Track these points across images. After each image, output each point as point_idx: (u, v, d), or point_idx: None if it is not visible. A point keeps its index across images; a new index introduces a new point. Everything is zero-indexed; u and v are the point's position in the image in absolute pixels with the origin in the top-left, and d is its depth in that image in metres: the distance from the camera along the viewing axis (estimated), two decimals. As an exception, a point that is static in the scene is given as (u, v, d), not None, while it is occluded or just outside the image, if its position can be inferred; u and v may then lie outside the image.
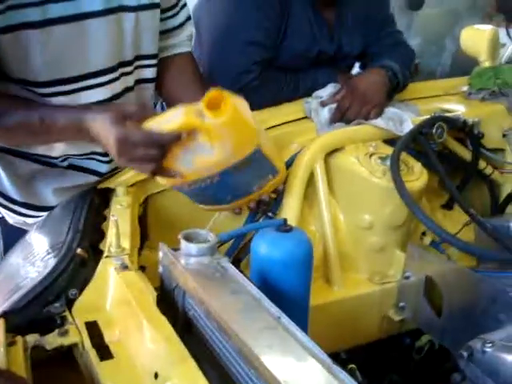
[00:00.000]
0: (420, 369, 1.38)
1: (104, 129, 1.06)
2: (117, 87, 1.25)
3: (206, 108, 0.98)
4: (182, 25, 1.43)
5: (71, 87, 1.18)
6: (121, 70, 1.24)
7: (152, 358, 0.79)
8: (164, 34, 1.36)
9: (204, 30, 1.65)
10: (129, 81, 1.27)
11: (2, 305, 0.95)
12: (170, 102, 1.46)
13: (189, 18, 1.45)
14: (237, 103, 1.03)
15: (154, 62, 1.34)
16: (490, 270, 1.28)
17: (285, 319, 0.78)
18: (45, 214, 1.25)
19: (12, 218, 1.33)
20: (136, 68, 1.29)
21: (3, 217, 1.34)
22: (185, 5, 1.44)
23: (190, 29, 1.46)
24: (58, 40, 1.12)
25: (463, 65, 4.62)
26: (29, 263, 1.07)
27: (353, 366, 0.77)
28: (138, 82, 1.32)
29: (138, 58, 1.29)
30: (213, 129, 1.00)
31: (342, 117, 1.49)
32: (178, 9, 1.40)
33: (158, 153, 1.03)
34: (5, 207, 1.31)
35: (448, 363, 1.33)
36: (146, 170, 1.07)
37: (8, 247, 1.32)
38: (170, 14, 1.37)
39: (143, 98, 1.37)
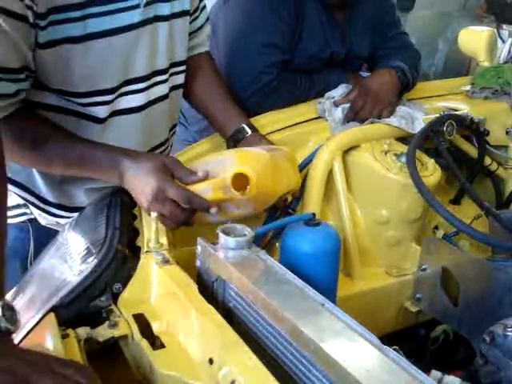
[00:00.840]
0: (435, 358, 1.43)
1: (144, 175, 1.10)
2: (152, 95, 1.29)
3: (232, 187, 1.07)
4: (202, 26, 1.48)
5: (109, 98, 1.21)
6: (156, 79, 1.28)
7: (204, 346, 0.83)
8: (188, 36, 1.40)
9: (221, 33, 1.69)
10: (164, 88, 1.31)
11: (46, 302, 0.98)
12: (191, 101, 1.52)
13: (207, 19, 1.50)
14: (261, 174, 1.10)
15: (184, 67, 1.39)
16: (503, 260, 1.33)
17: (329, 305, 0.83)
18: (76, 214, 1.29)
19: (45, 219, 1.36)
20: (171, 75, 1.33)
21: (35, 218, 1.37)
22: (204, 7, 1.49)
23: (208, 29, 1.52)
24: (98, 53, 1.15)
25: (456, 65, 4.71)
26: (67, 261, 1.10)
27: (396, 347, 0.82)
28: (173, 88, 1.36)
29: (172, 65, 1.33)
30: (239, 201, 1.09)
31: (355, 116, 1.54)
32: (199, 11, 1.45)
33: (186, 216, 1.11)
34: (38, 208, 1.34)
35: (463, 352, 1.39)
36: (168, 225, 1.12)
37: (38, 248, 1.35)
38: (193, 16, 1.41)
39: (176, 103, 1.41)
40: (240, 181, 1.06)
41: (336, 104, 1.56)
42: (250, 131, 1.43)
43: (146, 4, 1.20)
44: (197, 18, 1.45)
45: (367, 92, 1.55)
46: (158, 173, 1.09)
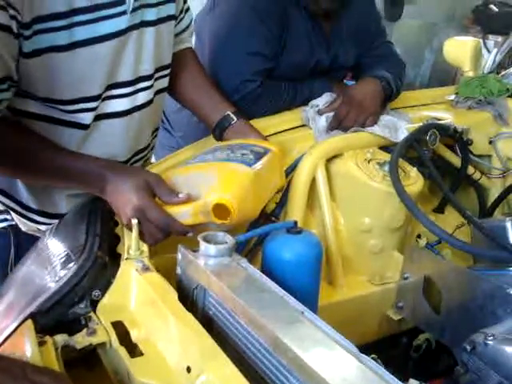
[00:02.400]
0: (418, 367, 1.43)
1: (127, 192, 1.09)
2: (137, 100, 1.28)
3: (213, 215, 1.05)
4: (187, 27, 1.50)
5: (95, 104, 1.21)
6: (141, 85, 1.28)
7: (183, 354, 0.82)
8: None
9: (206, 41, 1.69)
10: (149, 94, 1.31)
11: (24, 308, 0.97)
12: (176, 95, 1.53)
13: (191, 20, 1.52)
14: (243, 201, 1.09)
15: (169, 70, 1.40)
16: (485, 268, 1.34)
17: (308, 313, 0.83)
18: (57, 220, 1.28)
19: (26, 225, 1.35)
20: (156, 80, 1.33)
21: (16, 224, 1.36)
22: (188, 8, 1.51)
23: (192, 28, 1.53)
24: (84, 61, 1.14)
25: (442, 75, 4.74)
26: (47, 268, 1.09)
27: (374, 355, 0.82)
28: (157, 92, 1.36)
29: (158, 69, 1.33)
30: (219, 225, 1.07)
31: (339, 124, 1.54)
32: (183, 13, 1.47)
33: (164, 236, 1.10)
34: (20, 214, 1.33)
35: (445, 361, 1.39)
36: (146, 242, 1.10)
37: (19, 254, 1.34)
38: (178, 19, 1.42)
39: (159, 106, 1.41)
40: (221, 208, 1.05)
41: (320, 112, 1.57)
42: (235, 118, 1.43)
43: (133, 10, 1.20)
44: (182, 19, 1.46)
45: (351, 101, 1.56)
46: (140, 191, 1.08)
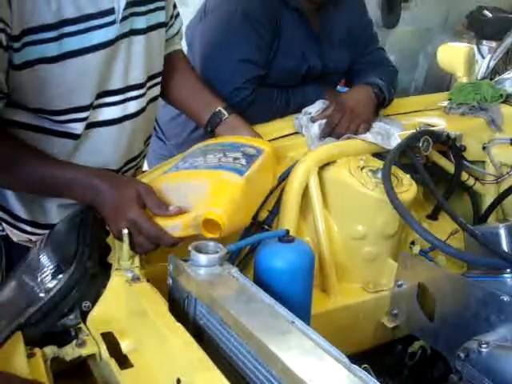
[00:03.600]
0: (413, 374, 1.43)
1: (118, 204, 1.09)
2: (128, 109, 1.28)
3: (203, 229, 1.04)
4: (177, 32, 1.51)
5: (86, 114, 1.21)
6: (132, 93, 1.28)
7: (173, 365, 0.82)
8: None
9: (197, 49, 1.69)
10: (141, 102, 1.31)
11: (14, 320, 0.97)
12: (168, 98, 1.53)
13: (181, 25, 1.53)
14: (234, 214, 1.08)
15: (161, 78, 1.40)
16: (478, 275, 1.33)
17: (299, 323, 0.82)
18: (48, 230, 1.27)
19: (16, 236, 1.34)
20: (148, 88, 1.33)
21: (7, 234, 1.35)
22: (178, 14, 1.51)
23: (181, 33, 1.54)
24: (74, 71, 1.14)
25: (436, 81, 4.76)
26: (37, 278, 1.08)
27: (366, 365, 0.81)
28: (150, 101, 1.36)
29: (150, 78, 1.33)
30: (209, 237, 1.06)
31: (332, 131, 1.54)
32: (174, 19, 1.47)
33: (153, 247, 1.10)
34: (10, 224, 1.33)
35: (441, 368, 1.39)
36: (136, 251, 1.10)
37: (10, 265, 1.34)
38: (168, 25, 1.43)
39: (152, 115, 1.41)
40: (211, 223, 1.04)
41: (313, 120, 1.56)
42: (226, 113, 1.44)
43: (122, 19, 1.19)
44: (172, 25, 1.47)
45: (344, 108, 1.56)
46: (131, 203, 1.08)
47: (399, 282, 1.34)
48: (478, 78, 2.76)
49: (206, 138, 1.48)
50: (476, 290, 1.16)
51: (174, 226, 1.07)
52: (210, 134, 1.45)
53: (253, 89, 1.61)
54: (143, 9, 1.26)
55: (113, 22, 1.17)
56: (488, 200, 1.76)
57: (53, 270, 1.06)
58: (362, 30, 1.83)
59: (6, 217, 1.32)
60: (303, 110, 1.62)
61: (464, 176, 1.71)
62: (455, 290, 1.22)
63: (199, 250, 0.98)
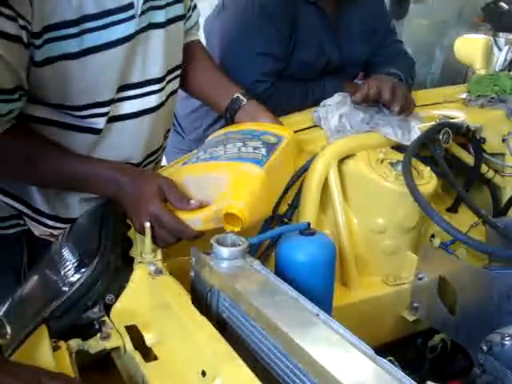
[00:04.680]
0: (434, 368, 1.42)
1: (140, 198, 1.10)
2: (148, 103, 1.28)
3: (224, 222, 1.04)
4: (195, 24, 1.51)
5: (107, 109, 1.21)
6: (152, 87, 1.27)
7: (197, 357, 0.82)
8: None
9: (215, 43, 1.70)
10: (161, 96, 1.31)
11: (38, 313, 0.97)
12: (187, 88, 1.53)
13: (198, 16, 1.53)
14: (254, 207, 1.08)
15: (180, 71, 1.40)
16: (501, 267, 1.32)
17: (323, 315, 0.82)
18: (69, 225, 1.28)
19: (38, 230, 1.35)
20: (168, 82, 1.33)
21: (29, 229, 1.36)
22: (195, 5, 1.51)
23: (198, 24, 1.54)
24: (95, 66, 1.15)
25: (452, 73, 4.73)
26: (60, 272, 1.09)
27: (391, 358, 0.81)
28: (170, 94, 1.36)
29: (169, 71, 1.33)
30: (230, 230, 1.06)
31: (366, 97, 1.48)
32: (191, 11, 1.48)
33: (175, 240, 1.10)
34: (32, 219, 1.33)
35: (461, 361, 1.38)
36: (158, 245, 1.10)
37: (32, 259, 1.35)
38: (186, 17, 1.43)
39: (171, 108, 1.42)
40: (232, 216, 1.04)
41: (355, 103, 1.51)
42: (245, 99, 1.43)
43: (141, 14, 1.20)
44: (190, 17, 1.47)
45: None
46: (152, 197, 1.08)
47: (420, 275, 1.33)
48: (496, 70, 2.73)
49: (225, 126, 1.48)
50: (499, 283, 1.15)
51: (195, 220, 1.08)
52: (230, 120, 1.44)
53: (271, 82, 1.61)
54: (162, 3, 1.26)
55: (132, 17, 1.18)
56: (508, 192, 1.74)
57: (76, 264, 1.06)
58: (380, 22, 1.82)
59: (28, 211, 1.33)
60: (322, 103, 1.61)
61: (484, 168, 1.70)
62: (477, 282, 1.21)
63: (221, 243, 0.98)
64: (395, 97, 1.47)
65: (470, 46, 2.18)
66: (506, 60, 3.34)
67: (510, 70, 2.38)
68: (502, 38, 4.76)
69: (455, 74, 4.42)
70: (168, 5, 1.28)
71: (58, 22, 1.08)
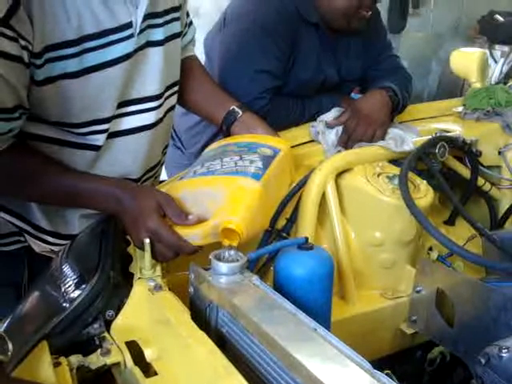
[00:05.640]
0: (433, 380, 1.43)
1: (139, 214, 1.10)
2: (146, 119, 1.29)
3: (222, 237, 1.06)
4: (191, 40, 1.54)
5: (107, 126, 1.23)
6: (150, 104, 1.29)
7: (197, 373, 0.83)
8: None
9: (216, 58, 1.72)
10: (159, 112, 1.32)
11: (39, 330, 0.98)
12: (183, 102, 1.54)
13: (194, 32, 1.56)
14: (252, 222, 1.09)
15: (178, 87, 1.42)
16: (497, 280, 1.33)
17: (321, 330, 0.83)
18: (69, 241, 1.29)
19: (39, 247, 1.36)
20: (166, 98, 1.34)
21: (29, 245, 1.37)
22: (191, 22, 1.54)
23: (195, 39, 1.56)
24: (95, 85, 1.16)
25: (449, 86, 4.75)
26: (60, 288, 1.10)
27: (388, 371, 0.81)
28: (167, 110, 1.37)
29: (168, 87, 1.35)
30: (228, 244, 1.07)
31: (349, 138, 1.54)
32: (187, 27, 1.50)
33: (173, 255, 1.11)
34: (33, 236, 1.34)
35: (460, 374, 1.38)
36: (157, 259, 1.11)
37: (32, 275, 1.35)
38: (183, 33, 1.45)
39: (169, 124, 1.44)
40: (230, 231, 1.05)
41: (328, 126, 1.57)
42: (240, 112, 1.45)
43: (140, 32, 1.21)
44: (186, 33, 1.49)
45: (359, 113, 1.56)
46: (151, 213, 1.09)
47: (418, 288, 1.34)
48: (492, 82, 2.75)
49: (222, 138, 1.49)
50: (495, 295, 1.16)
51: (193, 235, 1.09)
52: (226, 133, 1.46)
53: (270, 98, 1.62)
54: (160, 21, 1.28)
55: (131, 36, 1.19)
56: (504, 205, 1.75)
57: (76, 281, 1.07)
58: (377, 37, 1.84)
59: (28, 228, 1.34)
60: (319, 118, 1.63)
61: (480, 181, 1.71)
62: (474, 295, 1.22)
63: (220, 259, 0.99)
64: (352, 131, 1.55)
65: (466, 60, 2.20)
66: (501, 73, 3.36)
67: (505, 83, 2.39)
68: (498, 50, 4.79)
69: (452, 86, 4.44)
70: (166, 23, 1.30)
71: (59, 42, 1.09)
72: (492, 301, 1.16)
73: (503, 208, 1.75)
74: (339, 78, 1.77)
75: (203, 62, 1.76)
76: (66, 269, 1.15)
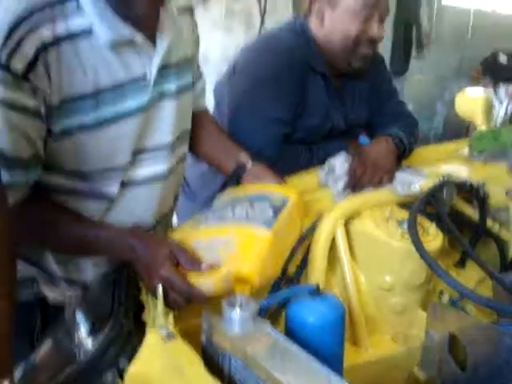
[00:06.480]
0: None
1: (153, 262, 1.13)
2: (159, 168, 1.32)
3: (235, 286, 1.08)
4: (201, 91, 1.58)
5: (120, 176, 1.26)
6: (162, 153, 1.32)
7: (211, 422, 0.83)
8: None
9: (226, 106, 1.75)
10: (171, 162, 1.35)
11: (52, 379, 0.99)
12: (195, 153, 1.58)
13: (205, 83, 1.60)
14: (263, 269, 1.12)
15: (189, 136, 1.45)
16: (509, 323, 1.32)
17: (335, 378, 0.83)
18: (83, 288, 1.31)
19: (51, 294, 1.37)
20: (177, 147, 1.37)
21: (42, 294, 1.38)
22: (201, 73, 1.59)
23: (205, 90, 1.60)
24: (110, 136, 1.20)
25: (455, 127, 4.79)
26: (74, 338, 1.10)
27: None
28: (179, 159, 1.40)
29: (179, 137, 1.38)
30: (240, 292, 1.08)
31: (355, 185, 1.56)
32: (197, 79, 1.54)
33: (186, 303, 1.13)
34: (45, 283, 1.35)
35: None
36: (170, 307, 1.11)
37: (45, 324, 1.36)
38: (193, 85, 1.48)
39: (181, 173, 1.47)
40: (242, 279, 1.07)
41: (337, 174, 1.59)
42: (251, 162, 1.48)
43: (154, 84, 1.25)
44: (197, 84, 1.53)
45: (366, 161, 1.59)
46: (165, 262, 1.12)
47: (430, 333, 1.33)
48: (497, 122, 2.78)
49: (232, 187, 1.52)
50: (507, 338, 1.15)
51: (206, 283, 1.10)
52: (236, 183, 1.49)
53: (279, 146, 1.65)
54: (173, 72, 1.31)
55: (146, 88, 1.23)
56: (514, 246, 1.76)
57: (89, 329, 1.08)
58: (382, 84, 1.88)
59: (42, 275, 1.35)
60: (327, 162, 1.65)
61: (489, 223, 1.72)
62: (486, 338, 1.21)
63: (232, 306, 1.00)
64: (359, 178, 1.57)
65: (470, 103, 2.21)
66: (506, 114, 3.39)
67: (510, 123, 2.42)
68: (503, 89, 4.83)
69: (458, 127, 4.46)
70: (178, 74, 1.34)
71: (75, 95, 1.13)
72: (504, 344, 1.16)
73: (513, 249, 1.75)
74: (346, 124, 1.80)
75: (212, 110, 1.79)
76: (79, 317, 1.16)
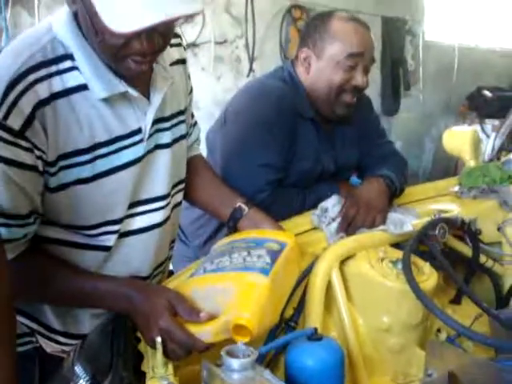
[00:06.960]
0: None
1: (151, 314, 1.13)
2: (154, 218, 1.34)
3: (233, 333, 1.08)
4: (196, 139, 1.61)
5: (117, 227, 1.27)
6: (158, 204, 1.34)
7: None
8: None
9: (218, 154, 1.78)
10: (166, 211, 1.37)
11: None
12: (190, 200, 1.59)
13: (199, 132, 1.63)
14: (262, 317, 1.11)
15: (184, 184, 1.47)
16: (507, 359, 1.33)
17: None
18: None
19: (49, 347, 1.37)
20: (172, 196, 1.39)
21: (41, 346, 1.38)
22: (196, 122, 1.62)
23: (199, 139, 1.63)
24: (106, 189, 1.22)
25: (443, 163, 4.85)
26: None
27: None
28: (174, 207, 1.42)
29: (174, 185, 1.40)
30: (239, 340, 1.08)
31: (348, 226, 1.58)
32: (192, 128, 1.57)
33: (185, 353, 1.13)
34: (44, 336, 1.35)
35: None
36: (169, 358, 1.12)
37: (44, 376, 1.35)
38: (188, 134, 1.51)
39: (176, 220, 1.48)
40: (241, 327, 1.07)
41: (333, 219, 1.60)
42: (247, 208, 1.49)
43: (149, 137, 1.27)
44: (191, 134, 1.56)
45: (358, 201, 1.61)
46: (163, 312, 1.12)
47: (429, 372, 1.33)
48: (485, 159, 2.81)
49: (228, 234, 1.53)
50: (506, 374, 1.16)
51: (204, 332, 1.11)
52: (233, 229, 1.50)
53: (271, 191, 1.67)
54: (167, 125, 1.34)
55: (141, 141, 1.25)
56: (508, 281, 1.76)
57: (89, 382, 1.08)
58: (371, 127, 1.92)
59: (40, 329, 1.35)
60: (319, 206, 1.67)
61: (482, 258, 1.73)
62: (485, 375, 1.21)
63: (231, 355, 1.00)
64: (352, 219, 1.58)
65: (458, 139, 2.25)
66: (493, 149, 3.43)
67: (498, 158, 2.45)
68: (489, 124, 4.91)
69: (446, 163, 4.53)
70: (173, 126, 1.36)
71: (72, 150, 1.15)
72: (503, 381, 1.16)
73: (507, 283, 1.76)
74: (336, 166, 1.83)
75: (205, 155, 1.82)
76: (78, 369, 1.16)
